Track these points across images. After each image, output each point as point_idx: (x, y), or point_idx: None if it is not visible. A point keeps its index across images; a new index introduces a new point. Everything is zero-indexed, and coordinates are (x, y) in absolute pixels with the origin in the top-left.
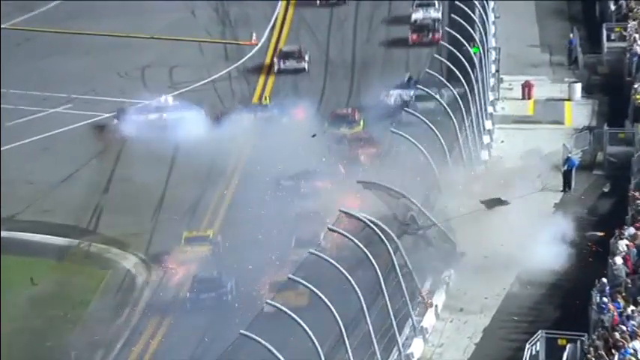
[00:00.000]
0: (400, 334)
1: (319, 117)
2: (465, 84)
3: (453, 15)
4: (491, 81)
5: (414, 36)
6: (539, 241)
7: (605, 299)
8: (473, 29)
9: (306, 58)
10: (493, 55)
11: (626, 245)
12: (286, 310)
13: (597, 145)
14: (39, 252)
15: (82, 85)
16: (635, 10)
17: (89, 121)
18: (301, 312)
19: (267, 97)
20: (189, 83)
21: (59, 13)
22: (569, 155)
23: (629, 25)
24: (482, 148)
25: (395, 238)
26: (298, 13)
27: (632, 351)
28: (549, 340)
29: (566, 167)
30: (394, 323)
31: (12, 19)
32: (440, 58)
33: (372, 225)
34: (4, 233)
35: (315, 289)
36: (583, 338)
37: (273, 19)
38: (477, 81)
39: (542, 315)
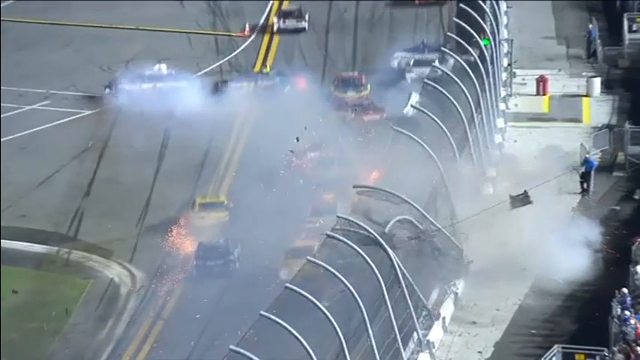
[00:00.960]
0: (405, 349)
1: (324, 82)
2: (474, 79)
3: (461, 4)
4: (503, 76)
5: None
6: (556, 247)
7: (626, 311)
8: (483, 20)
9: (306, 17)
10: (505, 47)
11: None
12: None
13: (618, 145)
14: (15, 260)
15: (61, 80)
16: None
17: (69, 118)
18: (299, 322)
19: (268, 66)
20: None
21: (36, 2)
22: (588, 156)
23: None
24: (493, 147)
25: (388, 251)
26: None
27: None
28: (566, 355)
29: (584, 168)
30: (398, 337)
31: None
32: (447, 51)
33: (371, 231)
34: None
35: (313, 299)
36: (603, 353)
37: (267, 10)
38: (487, 76)
39: (559, 328)
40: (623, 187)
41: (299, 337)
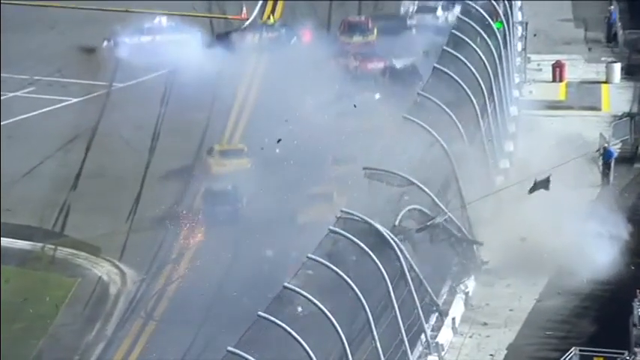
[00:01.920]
0: (412, 352)
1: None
2: (486, 64)
3: None
4: (517, 61)
5: None
6: (574, 243)
7: None
8: (496, 1)
9: None
10: (519, 30)
11: None
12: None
13: (639, 135)
14: None
15: (46, 65)
16: None
17: (56, 106)
18: (300, 323)
19: (273, 17)
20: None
21: None
22: (607, 146)
23: None
24: (506, 137)
25: (395, 243)
26: None
27: None
28: (584, 358)
29: (603, 159)
30: (405, 339)
31: None
32: (458, 34)
33: (379, 227)
34: None
35: (315, 301)
36: (623, 356)
37: None
38: (500, 61)
39: (576, 329)
40: None
41: (299, 338)
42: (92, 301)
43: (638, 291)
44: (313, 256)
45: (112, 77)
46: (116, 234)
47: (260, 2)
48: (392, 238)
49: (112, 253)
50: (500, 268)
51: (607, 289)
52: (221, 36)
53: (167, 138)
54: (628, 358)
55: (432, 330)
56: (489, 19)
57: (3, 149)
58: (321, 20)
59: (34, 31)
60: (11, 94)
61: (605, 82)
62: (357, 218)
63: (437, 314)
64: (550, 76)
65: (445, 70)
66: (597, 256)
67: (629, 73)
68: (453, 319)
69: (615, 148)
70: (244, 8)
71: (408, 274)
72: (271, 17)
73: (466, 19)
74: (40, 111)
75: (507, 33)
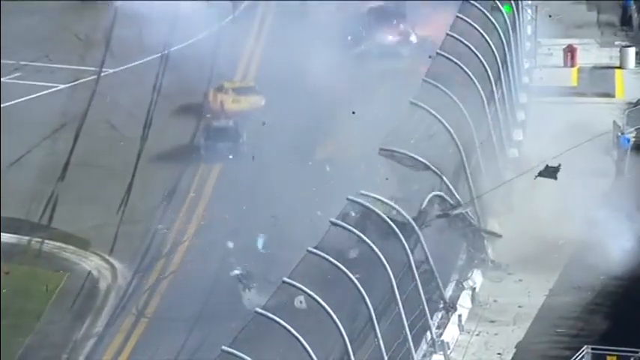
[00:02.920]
0: (416, 350)
1: None
2: (493, 49)
3: None
4: (527, 45)
5: None
6: (587, 236)
7: None
8: None
9: None
10: (529, 14)
11: None
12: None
13: None
14: None
15: (32, 50)
16: None
17: (43, 92)
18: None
19: None
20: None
21: None
22: (621, 134)
23: None
24: (515, 126)
25: (415, 228)
26: None
27: None
28: (597, 356)
29: (617, 148)
30: (409, 336)
31: None
32: (463, 17)
33: (386, 218)
34: None
35: (315, 296)
36: (638, 355)
37: None
38: (509, 46)
39: (589, 327)
40: None
41: (298, 336)
42: (81, 297)
43: None
44: (314, 250)
45: (101, 62)
46: (106, 226)
47: None
48: (413, 225)
49: (102, 246)
50: (508, 262)
51: (621, 284)
52: None
53: (161, 124)
54: None
55: (437, 327)
56: (497, 2)
57: None
58: None
59: (20, 14)
60: None
61: (619, 68)
62: (367, 204)
63: (443, 312)
64: (561, 62)
65: (449, 56)
66: (611, 250)
67: None
68: (460, 315)
69: (630, 137)
70: None
71: (414, 267)
72: None
73: (472, 2)
74: (27, 97)
75: (516, 16)
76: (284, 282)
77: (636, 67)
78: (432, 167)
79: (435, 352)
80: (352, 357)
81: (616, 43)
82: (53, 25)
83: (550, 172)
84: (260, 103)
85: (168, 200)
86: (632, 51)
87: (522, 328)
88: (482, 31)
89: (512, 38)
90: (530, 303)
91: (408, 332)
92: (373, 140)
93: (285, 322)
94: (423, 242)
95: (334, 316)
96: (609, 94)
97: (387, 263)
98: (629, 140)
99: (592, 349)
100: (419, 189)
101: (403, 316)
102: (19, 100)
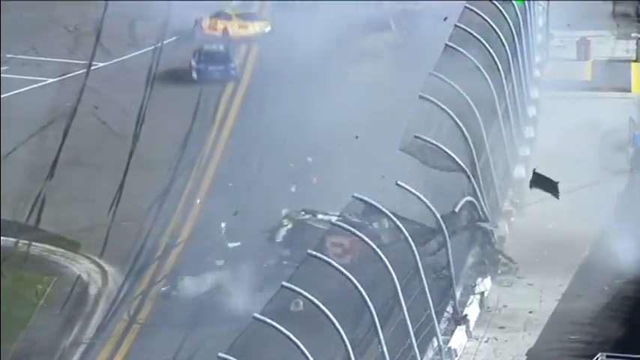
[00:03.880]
0: (422, 357)
1: None
2: (504, 41)
3: None
4: (538, 38)
5: None
6: (600, 238)
7: None
8: None
9: None
10: (540, 5)
11: None
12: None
13: None
14: None
15: (18, 42)
16: None
17: (30, 87)
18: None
19: None
20: (155, 40)
21: None
22: (638, 132)
23: None
24: (526, 122)
25: (445, 233)
26: None
27: None
28: None
29: (632, 146)
30: (414, 343)
31: None
32: (472, 8)
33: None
34: None
35: (316, 301)
36: None
37: None
38: (519, 38)
39: (603, 333)
40: None
41: (298, 342)
42: (70, 302)
43: None
44: (313, 252)
45: (91, 55)
46: (96, 228)
47: None
48: (444, 230)
49: (92, 249)
50: (519, 265)
51: (637, 289)
52: None
53: (153, 121)
54: None
55: (445, 334)
56: None
57: None
58: None
59: (5, 6)
60: None
61: (636, 61)
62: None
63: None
64: (574, 54)
65: (458, 48)
66: (627, 253)
67: None
68: (468, 321)
69: None
70: None
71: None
72: None
73: None
74: (13, 92)
75: (527, 7)
76: (283, 286)
77: None
78: (467, 171)
79: None
80: None
81: (632, 35)
82: (40, 17)
83: (547, 186)
84: (267, 29)
85: (162, 200)
86: None
87: (533, 335)
88: (491, 23)
89: (522, 30)
90: (542, 308)
91: (414, 339)
92: None
93: (284, 328)
94: (449, 248)
95: (336, 322)
96: (625, 89)
97: (399, 265)
98: None
99: (607, 356)
100: (447, 190)
101: (408, 321)
102: (6, 95)
